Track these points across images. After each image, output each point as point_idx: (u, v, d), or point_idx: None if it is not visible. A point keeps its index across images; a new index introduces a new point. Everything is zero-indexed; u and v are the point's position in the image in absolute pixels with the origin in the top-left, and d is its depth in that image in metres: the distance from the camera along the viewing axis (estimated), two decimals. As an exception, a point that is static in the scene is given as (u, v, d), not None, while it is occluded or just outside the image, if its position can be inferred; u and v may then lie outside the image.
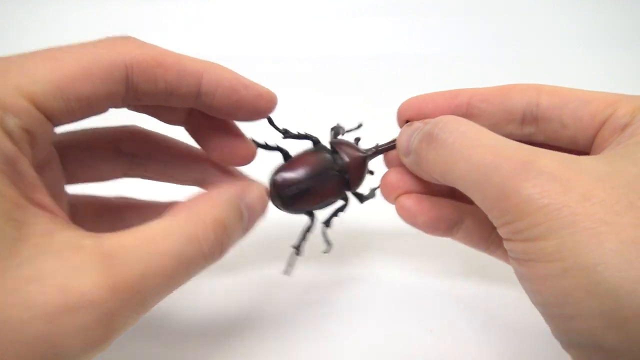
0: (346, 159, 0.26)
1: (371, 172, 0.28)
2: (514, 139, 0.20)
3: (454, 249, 0.32)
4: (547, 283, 0.16)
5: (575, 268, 0.15)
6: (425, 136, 0.22)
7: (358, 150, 0.26)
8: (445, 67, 0.57)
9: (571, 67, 0.56)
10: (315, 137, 0.27)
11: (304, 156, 0.26)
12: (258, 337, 0.27)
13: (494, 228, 0.19)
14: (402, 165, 0.25)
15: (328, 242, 0.27)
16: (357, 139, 0.28)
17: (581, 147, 0.22)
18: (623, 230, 0.15)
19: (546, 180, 0.16)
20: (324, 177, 0.25)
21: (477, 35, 0.63)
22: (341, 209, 0.27)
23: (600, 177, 0.16)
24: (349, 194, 0.27)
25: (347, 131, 0.28)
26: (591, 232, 0.15)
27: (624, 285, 0.14)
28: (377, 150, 0.26)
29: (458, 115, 0.22)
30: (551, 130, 0.23)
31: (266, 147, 0.26)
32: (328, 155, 0.26)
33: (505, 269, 0.31)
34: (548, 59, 0.59)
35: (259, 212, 0.23)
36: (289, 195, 0.25)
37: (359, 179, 0.27)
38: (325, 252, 0.27)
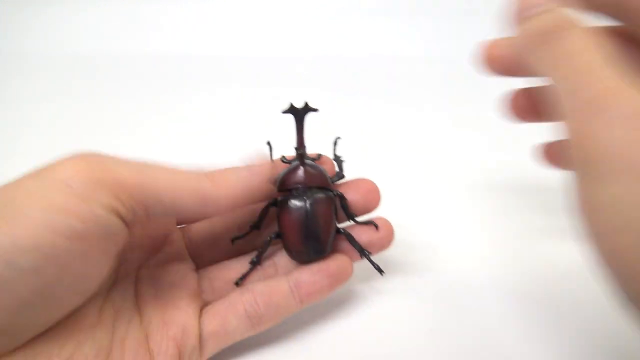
0: (298, 184, 0.26)
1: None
2: None
3: (452, 248, 0.32)
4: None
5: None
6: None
7: (290, 170, 0.26)
8: (446, 67, 0.57)
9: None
10: (265, 210, 0.27)
11: (283, 221, 0.26)
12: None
13: None
14: None
15: (369, 223, 0.27)
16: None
17: None
18: None
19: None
20: (309, 215, 0.26)
21: (477, 35, 0.63)
22: (344, 203, 0.27)
23: None
24: (335, 190, 0.27)
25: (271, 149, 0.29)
26: None
27: None
28: (300, 156, 0.26)
29: None
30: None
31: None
32: (291, 199, 0.26)
33: (505, 270, 0.31)
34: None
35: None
36: (313, 250, 0.26)
37: (321, 175, 0.26)
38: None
